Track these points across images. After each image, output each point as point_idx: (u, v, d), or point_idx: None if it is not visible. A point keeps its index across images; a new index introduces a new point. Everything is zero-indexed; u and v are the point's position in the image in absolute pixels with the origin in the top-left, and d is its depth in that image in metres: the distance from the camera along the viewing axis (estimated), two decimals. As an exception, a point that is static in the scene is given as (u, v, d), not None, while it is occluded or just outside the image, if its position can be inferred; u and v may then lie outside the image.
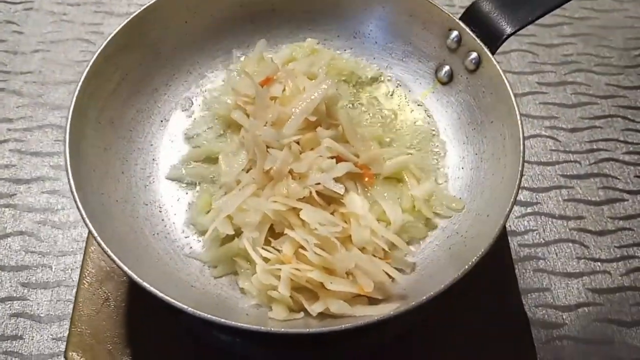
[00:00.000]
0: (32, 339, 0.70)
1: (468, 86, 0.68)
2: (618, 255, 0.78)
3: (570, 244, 0.78)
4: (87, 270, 0.63)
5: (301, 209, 0.57)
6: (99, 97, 0.64)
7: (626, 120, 0.89)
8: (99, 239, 0.52)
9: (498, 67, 0.63)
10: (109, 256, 0.51)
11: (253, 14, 0.73)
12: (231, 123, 0.68)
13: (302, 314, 0.56)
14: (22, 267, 0.75)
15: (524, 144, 0.58)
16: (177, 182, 0.67)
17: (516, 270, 0.75)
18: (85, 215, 0.54)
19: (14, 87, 0.89)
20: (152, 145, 0.69)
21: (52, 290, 0.73)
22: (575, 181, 0.84)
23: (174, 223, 0.64)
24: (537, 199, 0.82)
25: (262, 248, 0.58)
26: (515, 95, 0.89)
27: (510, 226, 0.79)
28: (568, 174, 0.84)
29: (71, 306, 0.69)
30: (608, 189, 0.83)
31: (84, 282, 0.63)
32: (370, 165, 0.63)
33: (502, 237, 0.72)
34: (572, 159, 0.85)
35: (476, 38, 0.65)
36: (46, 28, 0.96)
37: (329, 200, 0.60)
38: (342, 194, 0.59)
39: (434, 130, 0.70)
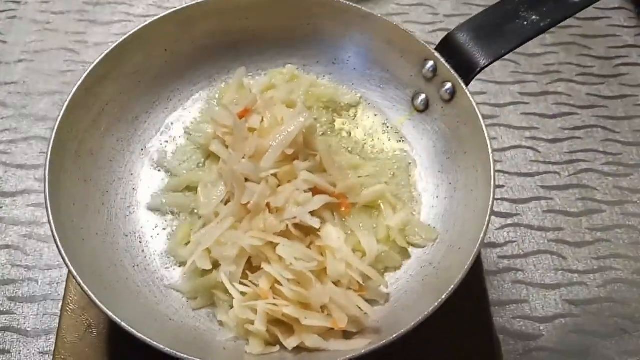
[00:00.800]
0: (19, 353, 0.71)
1: (443, 115, 0.69)
2: (595, 267, 0.79)
3: (549, 256, 0.80)
4: (70, 297, 0.64)
5: (278, 244, 0.58)
6: (78, 129, 0.64)
7: (606, 130, 0.90)
8: (78, 279, 0.53)
9: (471, 99, 0.63)
10: (88, 296, 0.52)
11: (234, 40, 0.74)
12: (211, 152, 0.68)
13: (278, 347, 0.58)
14: (9, 281, 0.76)
15: (494, 178, 0.59)
16: (157, 211, 0.68)
17: (495, 282, 0.77)
18: (65, 255, 0.55)
19: (-2, 98, 0.90)
20: (132, 174, 0.69)
21: (38, 304, 0.74)
22: (555, 192, 0.85)
23: (153, 254, 0.65)
24: (516, 210, 0.83)
25: (240, 282, 0.59)
26: (498, 105, 0.92)
27: (490, 238, 0.81)
28: (547, 185, 0.85)
29: (57, 320, 0.70)
30: (587, 200, 0.84)
31: (67, 309, 0.64)
32: (347, 194, 0.64)
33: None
34: (551, 170, 0.87)
35: (451, 69, 0.65)
36: (30, 37, 0.96)
37: (307, 232, 0.61)
38: (317, 227, 0.60)
39: (410, 158, 0.71)
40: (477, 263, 0.72)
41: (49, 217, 0.57)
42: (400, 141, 0.72)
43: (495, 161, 0.60)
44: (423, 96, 0.71)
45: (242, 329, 0.58)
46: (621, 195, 0.85)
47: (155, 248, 0.65)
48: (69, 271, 0.54)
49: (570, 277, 0.78)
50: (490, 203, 0.58)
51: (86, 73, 0.65)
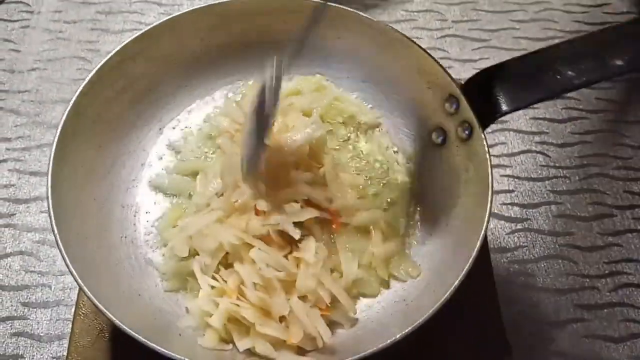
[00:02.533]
0: (32, 358, 0.72)
1: (456, 155, 0.67)
2: (607, 271, 0.79)
3: (560, 260, 0.80)
4: (83, 301, 0.65)
5: (254, 246, 0.59)
6: (101, 98, 0.67)
7: (616, 134, 0.90)
8: (56, 231, 0.56)
9: (485, 145, 0.62)
10: (58, 245, 0.56)
11: (269, 41, 0.73)
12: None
13: (231, 346, 0.59)
14: (22, 287, 0.76)
15: (485, 232, 0.58)
16: (158, 190, 0.70)
17: (505, 287, 0.77)
18: (51, 206, 0.58)
19: (11, 106, 0.91)
20: (144, 150, 0.72)
21: (51, 310, 0.75)
22: (565, 197, 0.85)
23: (143, 229, 0.67)
24: (527, 215, 0.83)
25: (212, 275, 0.61)
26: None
27: (500, 243, 0.81)
28: (558, 189, 0.85)
29: (70, 325, 0.71)
30: (597, 205, 0.84)
31: (80, 313, 0.64)
32: (341, 212, 0.64)
33: (485, 262, 0.73)
34: (562, 175, 0.87)
35: (471, 110, 0.63)
36: (43, 46, 0.97)
37: (289, 242, 0.61)
38: (297, 238, 0.61)
39: (414, 190, 0.71)
40: (487, 269, 0.72)
41: (49, 167, 0.60)
42: (409, 171, 0.72)
43: (491, 210, 0.59)
44: (441, 130, 0.70)
45: (202, 320, 0.60)
46: (632, 199, 0.85)
47: (147, 225, 0.68)
48: (50, 216, 0.57)
49: (581, 282, 0.78)
50: (474, 253, 0.57)
51: (119, 47, 0.67)
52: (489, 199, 0.59)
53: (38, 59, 0.96)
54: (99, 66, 0.66)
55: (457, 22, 1.01)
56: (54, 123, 0.89)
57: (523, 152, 0.89)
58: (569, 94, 0.94)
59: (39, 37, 0.98)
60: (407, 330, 0.53)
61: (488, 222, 0.59)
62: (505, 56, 0.95)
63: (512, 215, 0.83)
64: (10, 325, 0.74)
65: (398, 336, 0.53)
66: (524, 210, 0.84)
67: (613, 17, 1.02)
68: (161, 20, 0.70)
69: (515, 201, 0.84)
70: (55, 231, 0.57)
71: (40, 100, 0.91)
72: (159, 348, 0.51)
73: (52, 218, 0.57)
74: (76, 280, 0.55)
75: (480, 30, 1.00)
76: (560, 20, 1.02)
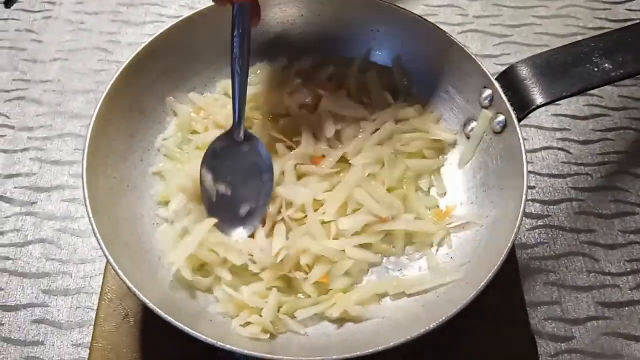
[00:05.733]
0: (52, 345, 0.72)
1: (490, 147, 0.67)
2: (628, 269, 0.78)
3: (581, 257, 0.79)
4: (108, 286, 0.65)
5: None
6: (135, 88, 0.68)
7: (638, 132, 0.89)
8: (89, 209, 0.57)
9: (520, 138, 0.61)
10: (92, 227, 0.56)
11: (300, 34, 0.76)
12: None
13: (268, 335, 0.59)
14: (43, 274, 0.77)
15: (519, 225, 0.58)
16: None
17: (526, 284, 0.77)
18: (87, 193, 0.58)
19: (33, 96, 0.91)
20: None
21: (72, 297, 0.75)
22: (587, 194, 0.84)
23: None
24: (548, 211, 0.83)
25: None
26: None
27: (520, 239, 0.80)
28: (579, 186, 0.85)
29: (90, 313, 0.72)
30: (619, 202, 0.83)
31: (105, 298, 0.65)
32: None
33: (511, 257, 0.73)
34: (583, 172, 0.86)
35: (507, 101, 0.63)
36: (64, 37, 0.97)
37: None
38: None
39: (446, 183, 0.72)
40: (513, 263, 0.72)
41: (83, 158, 0.60)
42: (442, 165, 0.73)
43: (526, 206, 0.59)
44: (474, 123, 0.70)
45: (233, 307, 0.61)
46: (654, 197, 0.84)
47: None
48: (85, 203, 0.57)
49: (602, 279, 0.78)
50: (510, 244, 0.56)
51: (151, 38, 0.68)
52: (524, 191, 0.59)
53: (60, 50, 0.96)
54: (135, 53, 0.67)
55: (478, 17, 1.01)
56: (75, 113, 0.90)
57: (544, 148, 0.88)
58: (592, 91, 0.93)
59: (61, 28, 0.98)
60: (440, 320, 0.53)
61: (522, 216, 0.58)
62: (526, 52, 0.96)
63: (533, 211, 0.83)
64: (31, 313, 0.74)
65: (432, 326, 0.53)
66: (545, 207, 0.83)
67: (636, 13, 1.01)
68: (194, 11, 0.71)
69: (536, 197, 0.84)
70: (90, 214, 0.57)
71: (62, 90, 0.92)
72: (194, 332, 0.51)
73: (87, 202, 0.58)
74: (110, 263, 0.55)
75: (502, 25, 1.00)
76: (582, 17, 1.01)
